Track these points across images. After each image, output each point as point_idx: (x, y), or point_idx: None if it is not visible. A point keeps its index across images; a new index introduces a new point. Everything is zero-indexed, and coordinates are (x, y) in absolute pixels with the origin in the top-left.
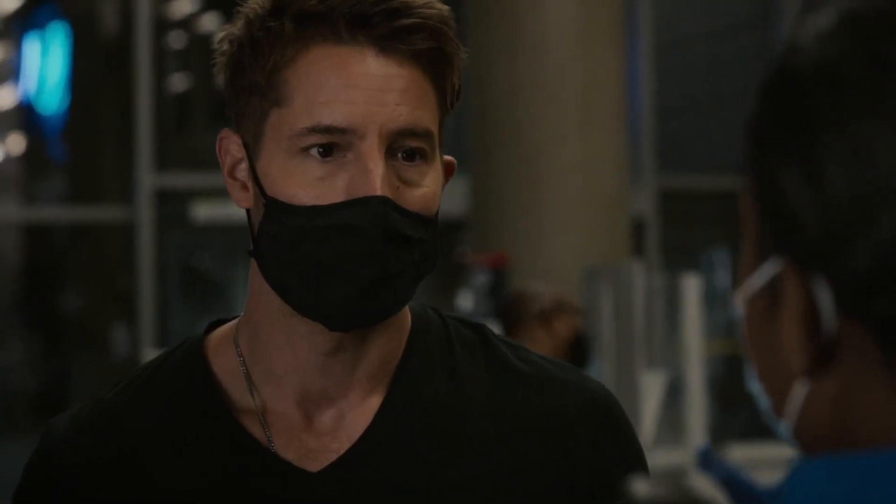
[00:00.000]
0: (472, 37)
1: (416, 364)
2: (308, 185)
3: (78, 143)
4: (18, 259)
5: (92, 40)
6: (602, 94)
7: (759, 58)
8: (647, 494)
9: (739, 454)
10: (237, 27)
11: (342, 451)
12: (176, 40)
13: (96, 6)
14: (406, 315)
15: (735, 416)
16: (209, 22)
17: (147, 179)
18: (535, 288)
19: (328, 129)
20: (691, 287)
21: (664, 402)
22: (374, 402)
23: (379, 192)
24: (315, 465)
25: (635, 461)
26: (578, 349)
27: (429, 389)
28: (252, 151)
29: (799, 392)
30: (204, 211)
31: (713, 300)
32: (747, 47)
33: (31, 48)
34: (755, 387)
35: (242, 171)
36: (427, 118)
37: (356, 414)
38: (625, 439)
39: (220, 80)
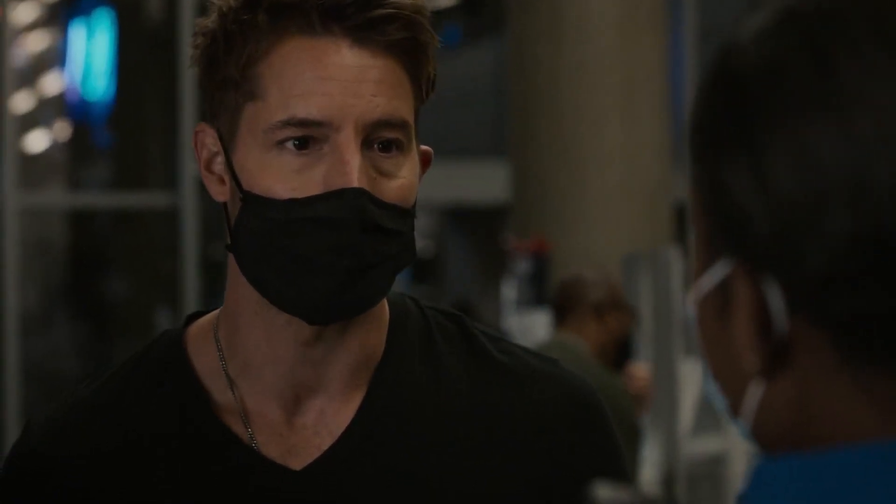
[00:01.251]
0: (514, 24)
1: (397, 357)
2: (284, 178)
3: (123, 130)
4: (64, 245)
5: (137, 26)
6: (644, 80)
7: None
8: (609, 498)
9: None
10: (210, 20)
11: (325, 448)
12: None
13: None
14: (384, 307)
15: None
16: None
17: (191, 166)
18: (592, 276)
19: (303, 122)
20: None
21: (703, 389)
22: (356, 396)
23: (356, 184)
24: (298, 463)
25: (614, 458)
26: (624, 349)
27: (410, 383)
28: (228, 145)
29: (754, 392)
30: None
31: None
32: None
33: (77, 35)
34: (710, 386)
35: (219, 164)
36: (403, 109)
37: (337, 409)
38: (603, 436)
39: (196, 73)
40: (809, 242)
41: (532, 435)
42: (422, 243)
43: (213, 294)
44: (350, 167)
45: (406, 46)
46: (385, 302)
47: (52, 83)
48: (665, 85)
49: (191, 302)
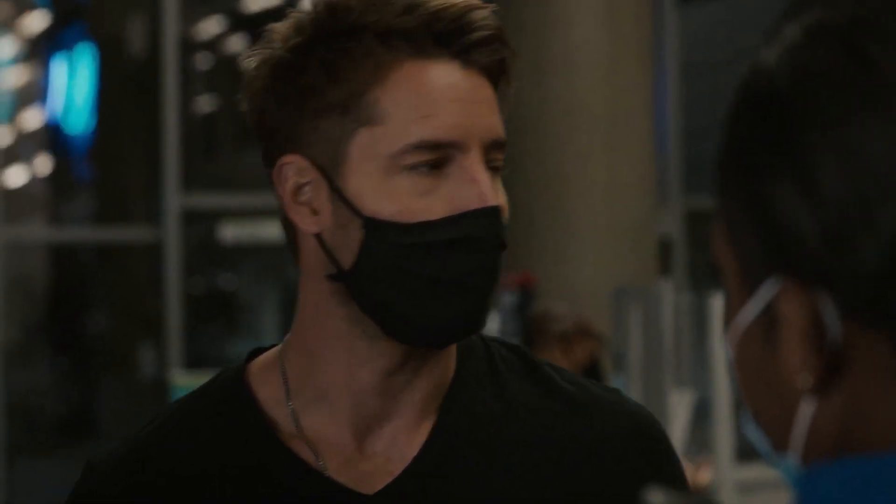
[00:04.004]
0: None
1: (466, 384)
2: (412, 201)
3: (105, 164)
4: (45, 280)
5: (119, 61)
6: (629, 115)
7: None
8: (664, 502)
9: (765, 473)
10: (284, 49)
11: (396, 473)
12: (202, 61)
13: (124, 27)
14: None
15: None
16: (236, 43)
17: (174, 200)
18: (558, 309)
19: (436, 145)
20: (720, 307)
21: (692, 421)
22: (427, 423)
23: (493, 203)
24: (370, 488)
25: (680, 479)
26: (592, 373)
27: (479, 410)
28: (330, 173)
29: (806, 413)
30: (231, 232)
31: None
32: None
33: (59, 69)
34: (752, 430)
35: (307, 193)
36: (503, 130)
37: (409, 436)
38: (670, 459)
39: (252, 103)
40: (862, 242)
41: (602, 464)
42: None
43: (195, 328)
44: (484, 186)
45: (500, 68)
46: None
47: (33, 117)
48: (649, 121)
49: (173, 337)
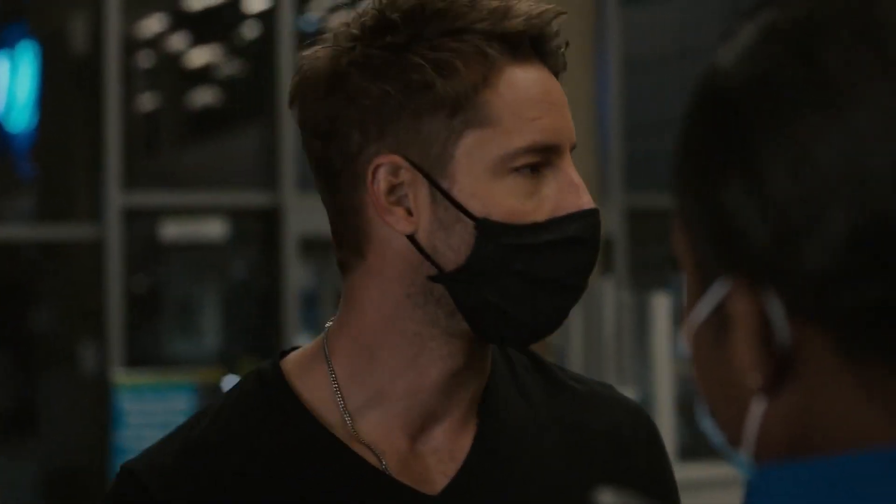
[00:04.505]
0: None
1: (498, 384)
2: (520, 203)
3: (47, 162)
4: None
5: (61, 59)
6: (573, 112)
7: None
8: (614, 502)
9: (708, 472)
10: (381, 49)
11: (451, 473)
12: (144, 59)
13: (66, 25)
14: None
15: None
16: (177, 41)
17: (116, 198)
18: None
19: (544, 148)
20: (661, 306)
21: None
22: (470, 421)
23: (593, 205)
24: (432, 488)
25: (671, 471)
26: None
27: (510, 407)
28: (435, 173)
29: (756, 411)
30: (173, 230)
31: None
32: None
33: (0, 67)
34: (707, 424)
35: (402, 194)
36: None
37: (457, 435)
38: (664, 452)
39: (343, 105)
40: (809, 242)
41: (613, 454)
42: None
43: (136, 327)
44: (582, 189)
45: (560, 72)
46: None
47: None
48: (592, 118)
49: (115, 335)
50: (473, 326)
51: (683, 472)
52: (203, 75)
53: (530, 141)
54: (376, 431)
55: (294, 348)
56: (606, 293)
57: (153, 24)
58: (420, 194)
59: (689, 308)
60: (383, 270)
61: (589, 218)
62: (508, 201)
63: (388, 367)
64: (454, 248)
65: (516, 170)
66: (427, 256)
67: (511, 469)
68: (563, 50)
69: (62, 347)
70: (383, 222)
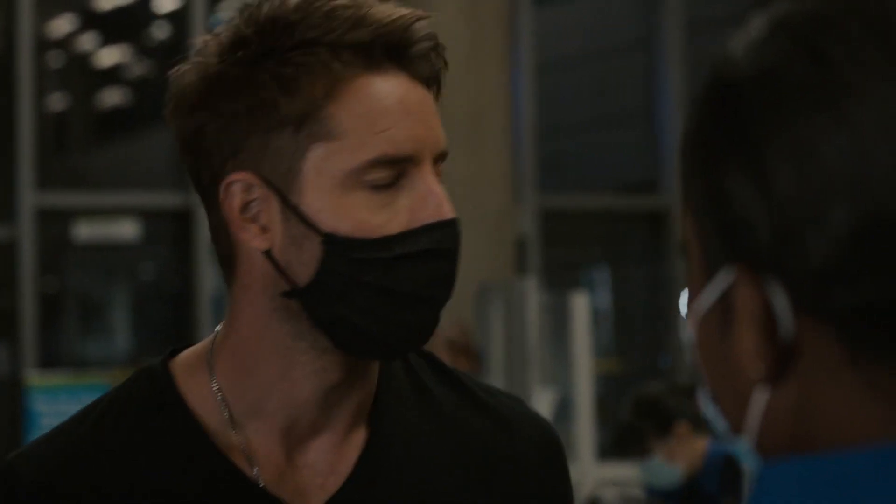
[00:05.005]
0: None
1: (390, 395)
2: (371, 216)
3: None
4: None
5: None
6: (489, 113)
7: (639, 79)
8: None
9: (625, 471)
10: (226, 64)
11: (330, 487)
12: (55, 59)
13: None
14: None
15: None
16: (88, 41)
17: (28, 198)
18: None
19: (395, 160)
20: (580, 305)
21: (553, 419)
22: (356, 436)
23: (452, 215)
24: (312, 503)
25: (570, 490)
26: None
27: (405, 420)
28: (284, 189)
29: (759, 401)
30: (85, 230)
31: (594, 319)
32: (628, 68)
33: None
34: (709, 409)
35: (255, 210)
36: None
37: (339, 448)
38: (565, 472)
39: (204, 122)
40: (813, 237)
41: (514, 473)
42: None
43: (49, 328)
44: (442, 198)
45: (436, 78)
46: None
47: None
48: (508, 117)
49: (28, 336)
50: (333, 341)
51: (601, 472)
52: (115, 75)
53: (378, 153)
54: (256, 442)
55: (184, 347)
56: (528, 293)
57: (63, 25)
58: (272, 210)
59: (695, 296)
60: (251, 285)
61: (445, 228)
62: (358, 215)
63: (262, 380)
64: (305, 263)
65: (368, 182)
66: (281, 272)
67: (397, 486)
68: (432, 53)
69: None
70: (239, 239)
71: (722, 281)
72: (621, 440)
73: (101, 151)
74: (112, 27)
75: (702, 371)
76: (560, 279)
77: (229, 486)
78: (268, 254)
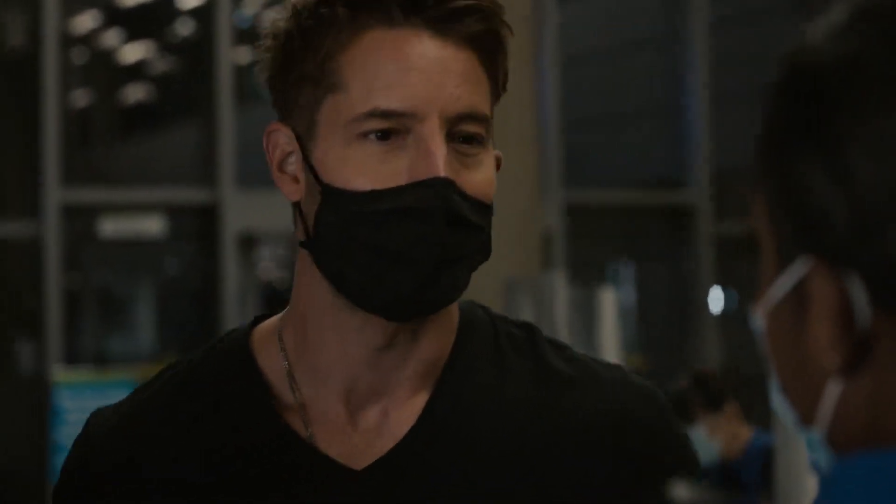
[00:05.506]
0: None
1: (463, 363)
2: (367, 170)
3: None
4: None
5: None
6: (514, 108)
7: (664, 74)
8: (689, 498)
9: None
10: (283, 20)
11: (386, 450)
12: (79, 56)
13: (2, 21)
14: (454, 312)
15: None
16: (112, 37)
17: (53, 195)
18: None
19: (386, 114)
20: (608, 301)
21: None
22: (420, 400)
23: (442, 174)
24: (359, 463)
25: (687, 457)
26: None
27: (475, 388)
28: (305, 142)
29: (832, 392)
30: (110, 227)
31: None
32: (653, 63)
33: None
34: (779, 400)
35: (292, 163)
36: (483, 103)
37: (402, 412)
38: (673, 436)
39: (263, 76)
40: (892, 232)
41: (599, 440)
42: (279, 274)
43: (74, 324)
44: (436, 157)
45: (484, 39)
46: (454, 306)
47: None
48: (533, 112)
49: (53, 333)
50: (343, 295)
51: None
52: (139, 71)
53: (371, 107)
54: (315, 403)
55: (269, 316)
56: (557, 288)
57: (87, 21)
58: (298, 161)
59: (766, 284)
60: (299, 240)
61: (430, 187)
62: (355, 168)
63: (317, 339)
64: (313, 214)
65: (365, 136)
66: (304, 224)
67: (452, 454)
68: (470, 12)
69: None
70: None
71: (797, 271)
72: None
73: (125, 147)
74: (136, 23)
75: (771, 362)
76: (585, 275)
77: (278, 442)
78: (297, 205)
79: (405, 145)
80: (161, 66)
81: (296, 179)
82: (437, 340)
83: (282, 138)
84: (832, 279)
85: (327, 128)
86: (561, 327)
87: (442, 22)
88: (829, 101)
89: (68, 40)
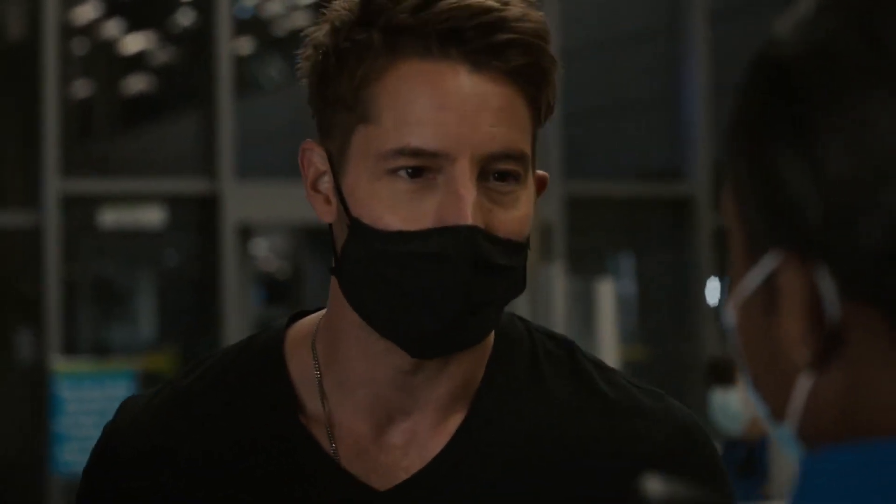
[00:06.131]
0: None
1: (499, 383)
2: (395, 208)
3: None
4: None
5: None
6: None
7: (663, 66)
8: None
9: None
10: (322, 32)
11: (413, 471)
12: (79, 46)
13: (2, 11)
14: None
15: None
16: (113, 28)
17: (53, 185)
18: None
19: (417, 153)
20: (606, 292)
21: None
22: (453, 421)
23: (470, 221)
24: (382, 483)
25: (722, 492)
26: None
27: (511, 411)
28: (337, 166)
29: (803, 386)
30: (110, 217)
31: (619, 306)
32: (652, 55)
33: None
34: (751, 395)
35: (325, 183)
36: (521, 139)
37: (431, 432)
38: (710, 471)
39: (304, 83)
40: (864, 220)
41: (637, 471)
42: (278, 264)
43: (73, 314)
44: (464, 202)
45: (527, 73)
46: None
47: None
48: None
49: (52, 322)
50: (372, 328)
51: None
52: (140, 62)
53: (402, 144)
54: (341, 418)
55: (308, 312)
56: (555, 278)
57: (89, 11)
58: (331, 183)
59: (737, 278)
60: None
61: (456, 234)
62: (382, 204)
63: (346, 355)
64: (340, 245)
65: (394, 172)
66: (334, 248)
67: (483, 480)
68: (514, 45)
69: None
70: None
71: (767, 265)
72: (709, 369)
73: (125, 138)
74: (137, 14)
75: (742, 356)
76: (584, 266)
77: (301, 454)
78: (330, 227)
79: (436, 184)
80: (161, 56)
81: (328, 201)
82: (470, 361)
83: (316, 157)
84: (803, 272)
85: (358, 157)
86: (558, 319)
87: (482, 56)
88: (798, 94)
89: (69, 31)
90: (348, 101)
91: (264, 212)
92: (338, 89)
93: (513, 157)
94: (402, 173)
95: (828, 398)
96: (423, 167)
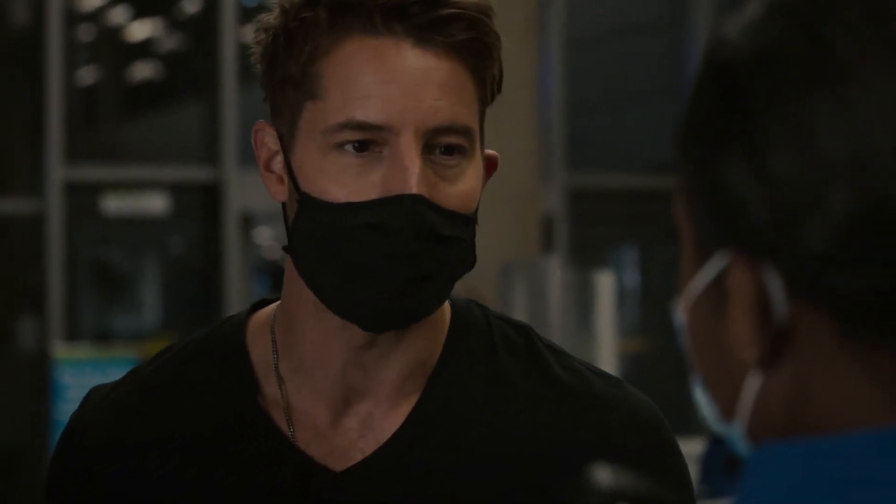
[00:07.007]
0: None
1: (454, 365)
2: (341, 181)
3: None
4: None
5: (1, 32)
6: (514, 91)
7: (667, 57)
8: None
9: None
10: (273, 16)
11: (368, 452)
12: (85, 33)
13: None
14: (445, 312)
15: None
16: (118, 15)
17: (57, 172)
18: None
19: (362, 126)
20: (605, 284)
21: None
22: (407, 403)
23: (414, 190)
24: (339, 465)
25: (678, 483)
26: None
27: (464, 392)
28: (287, 144)
29: (752, 386)
30: (114, 204)
31: (621, 298)
32: (657, 46)
33: None
34: (700, 395)
35: (278, 163)
36: (466, 114)
37: (385, 413)
38: (667, 460)
39: (258, 69)
40: (811, 221)
41: (591, 459)
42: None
43: (76, 301)
44: (409, 173)
45: (471, 48)
46: (445, 307)
47: None
48: (534, 95)
49: (55, 309)
50: (324, 303)
51: None
52: (145, 49)
53: (347, 118)
54: (302, 400)
55: (271, 301)
56: (551, 271)
57: None
58: (282, 163)
59: (687, 280)
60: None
61: (403, 203)
62: (330, 178)
63: (302, 336)
64: (291, 221)
65: (340, 146)
66: (286, 226)
67: (439, 456)
68: (457, 20)
69: (1, 321)
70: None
71: (715, 265)
72: None
73: (130, 125)
74: (142, 1)
75: (692, 357)
76: (587, 258)
77: (260, 438)
78: (283, 206)
79: (382, 157)
80: (167, 43)
81: (281, 180)
82: (423, 340)
83: (268, 138)
84: (750, 273)
85: (306, 134)
86: (553, 310)
87: (425, 31)
88: (744, 95)
89: (74, 17)
90: (296, 78)
91: (268, 200)
92: (287, 68)
93: (457, 131)
94: (349, 147)
95: (776, 397)
96: (368, 140)
